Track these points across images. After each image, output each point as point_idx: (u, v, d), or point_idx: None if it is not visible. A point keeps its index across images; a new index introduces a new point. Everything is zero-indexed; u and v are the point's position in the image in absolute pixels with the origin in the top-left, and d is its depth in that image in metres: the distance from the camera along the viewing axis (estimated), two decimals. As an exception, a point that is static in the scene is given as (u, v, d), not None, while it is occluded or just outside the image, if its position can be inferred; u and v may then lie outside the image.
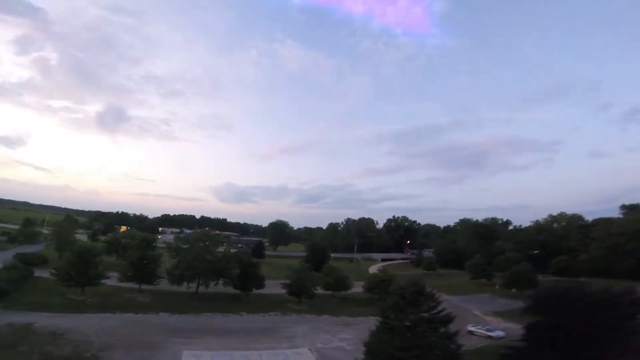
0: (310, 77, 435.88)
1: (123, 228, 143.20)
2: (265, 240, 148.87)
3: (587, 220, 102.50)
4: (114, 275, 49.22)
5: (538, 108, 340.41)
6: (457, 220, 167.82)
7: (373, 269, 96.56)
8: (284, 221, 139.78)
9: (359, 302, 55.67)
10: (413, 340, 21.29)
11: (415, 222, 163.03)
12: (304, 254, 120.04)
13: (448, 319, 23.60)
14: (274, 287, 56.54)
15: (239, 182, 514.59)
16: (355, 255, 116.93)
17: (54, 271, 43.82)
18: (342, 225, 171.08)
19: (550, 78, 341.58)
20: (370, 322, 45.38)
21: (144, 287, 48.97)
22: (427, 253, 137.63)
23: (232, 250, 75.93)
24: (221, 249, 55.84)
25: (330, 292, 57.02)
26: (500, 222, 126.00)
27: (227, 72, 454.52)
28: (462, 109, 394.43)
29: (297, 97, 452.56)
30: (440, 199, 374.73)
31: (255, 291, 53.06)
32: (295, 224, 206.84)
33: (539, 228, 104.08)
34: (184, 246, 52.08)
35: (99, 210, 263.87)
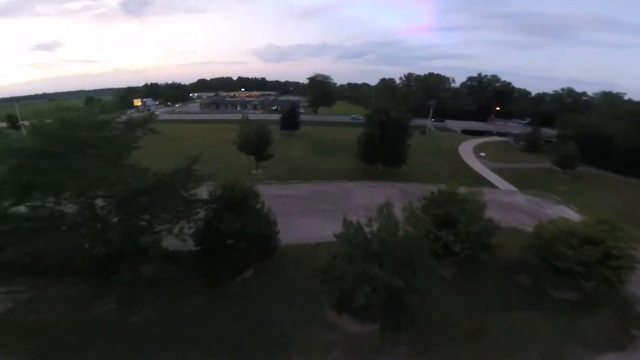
0: None
1: (136, 102, 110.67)
2: (304, 99, 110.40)
3: None
4: None
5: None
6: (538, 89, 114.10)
7: (466, 148, 58.30)
8: (325, 75, 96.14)
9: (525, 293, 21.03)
10: None
11: (509, 83, 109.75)
12: (357, 118, 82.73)
13: None
14: (308, 204, 23.06)
15: (279, 42, 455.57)
16: (429, 124, 76.66)
17: None
18: (401, 82, 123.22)
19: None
20: None
21: None
22: (517, 126, 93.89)
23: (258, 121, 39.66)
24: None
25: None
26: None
27: None
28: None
29: None
30: (509, 63, 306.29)
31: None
32: (337, 80, 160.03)
33: None
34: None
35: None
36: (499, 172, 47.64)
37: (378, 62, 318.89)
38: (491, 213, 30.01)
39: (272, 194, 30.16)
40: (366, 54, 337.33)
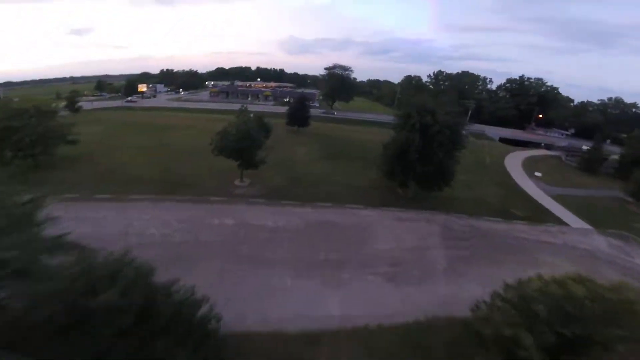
0: None
1: (141, 88, 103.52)
2: (319, 92, 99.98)
3: None
4: None
5: None
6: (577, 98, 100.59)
7: (514, 164, 46.69)
8: (345, 66, 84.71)
9: None
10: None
11: (555, 89, 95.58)
12: (383, 117, 71.75)
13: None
14: (303, 246, 14.23)
15: (302, 35, 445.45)
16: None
17: None
18: (429, 80, 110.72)
19: None
20: None
21: None
22: (560, 137, 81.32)
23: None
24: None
25: None
26: None
27: None
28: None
29: None
30: (542, 68, 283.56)
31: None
32: (359, 76, 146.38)
33: None
34: None
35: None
36: (562, 200, 36.27)
37: (403, 60, 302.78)
38: (569, 266, 20.12)
39: (251, 224, 20.45)
40: (391, 51, 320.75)
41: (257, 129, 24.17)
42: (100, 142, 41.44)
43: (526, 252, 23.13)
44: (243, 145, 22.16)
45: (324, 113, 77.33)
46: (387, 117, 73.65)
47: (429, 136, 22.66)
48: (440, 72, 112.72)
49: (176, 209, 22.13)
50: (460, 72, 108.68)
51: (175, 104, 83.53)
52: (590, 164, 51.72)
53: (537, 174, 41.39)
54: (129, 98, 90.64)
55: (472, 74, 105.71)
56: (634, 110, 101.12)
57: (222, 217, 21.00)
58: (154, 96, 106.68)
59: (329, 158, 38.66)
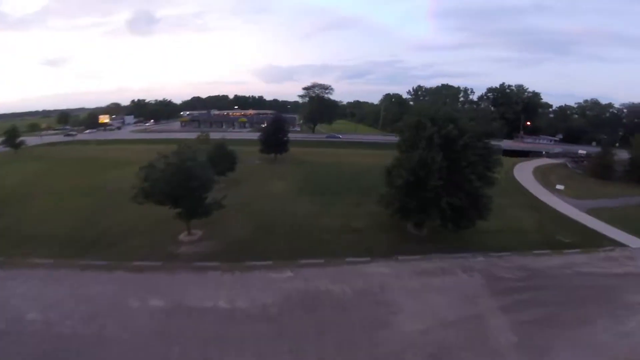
0: None
1: (102, 119, 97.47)
2: (299, 116, 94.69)
3: None
4: None
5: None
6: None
7: (525, 176, 40.88)
8: (324, 85, 79.93)
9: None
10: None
11: (538, 94, 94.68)
12: (377, 138, 65.55)
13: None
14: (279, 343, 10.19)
15: (281, 62, 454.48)
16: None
17: None
18: (409, 96, 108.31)
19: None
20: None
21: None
22: (549, 143, 78.81)
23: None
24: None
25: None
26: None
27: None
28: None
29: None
30: (509, 80, 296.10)
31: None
32: (338, 99, 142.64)
33: None
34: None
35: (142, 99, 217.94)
36: (598, 214, 30.06)
37: (379, 82, 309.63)
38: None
39: (193, 306, 12.35)
40: (367, 74, 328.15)
41: (203, 161, 16.49)
42: (22, 185, 32.83)
43: (607, 295, 16.06)
44: (180, 186, 14.44)
45: (327, 138, 71.37)
46: (380, 137, 68.65)
47: (455, 153, 15.75)
48: (419, 87, 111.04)
49: (81, 280, 13.98)
50: (439, 85, 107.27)
51: (137, 136, 75.31)
52: (604, 170, 47.22)
53: (559, 187, 35.50)
54: (87, 132, 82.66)
55: (452, 87, 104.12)
56: (610, 110, 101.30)
57: (148, 294, 12.94)
58: (119, 128, 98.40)
59: (314, 192, 30.90)
